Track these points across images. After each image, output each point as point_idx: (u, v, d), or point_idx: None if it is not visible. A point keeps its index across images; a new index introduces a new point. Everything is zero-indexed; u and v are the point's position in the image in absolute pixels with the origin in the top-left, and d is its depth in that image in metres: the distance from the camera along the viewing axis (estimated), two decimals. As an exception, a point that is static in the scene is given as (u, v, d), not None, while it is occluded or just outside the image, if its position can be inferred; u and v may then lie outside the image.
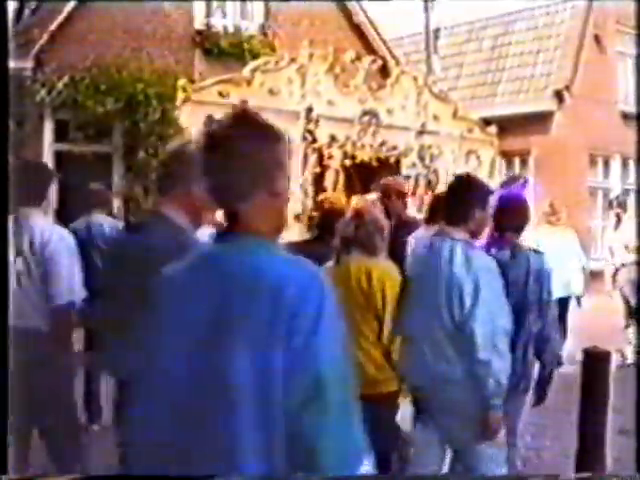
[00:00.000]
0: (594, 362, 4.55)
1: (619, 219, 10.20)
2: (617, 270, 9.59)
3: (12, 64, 10.76)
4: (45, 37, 11.46)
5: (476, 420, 3.63)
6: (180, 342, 1.89)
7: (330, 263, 4.21)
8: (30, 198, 4.11)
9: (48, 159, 11.69)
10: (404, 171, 11.85)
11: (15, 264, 3.93)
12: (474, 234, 3.84)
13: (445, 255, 3.71)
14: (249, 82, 10.19)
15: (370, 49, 14.38)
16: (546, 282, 4.24)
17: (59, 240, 4.04)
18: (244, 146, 1.94)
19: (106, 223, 6.73)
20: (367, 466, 1.79)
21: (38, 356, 3.89)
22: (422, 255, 3.98)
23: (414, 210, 11.53)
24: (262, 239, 1.91)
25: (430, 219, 5.56)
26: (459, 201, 3.82)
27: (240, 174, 1.90)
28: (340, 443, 1.78)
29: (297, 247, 4.03)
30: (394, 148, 11.68)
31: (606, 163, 17.59)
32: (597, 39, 17.02)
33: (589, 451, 4.50)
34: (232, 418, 1.78)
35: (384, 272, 4.17)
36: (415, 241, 5.01)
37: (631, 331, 9.18)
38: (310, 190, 10.88)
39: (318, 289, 1.84)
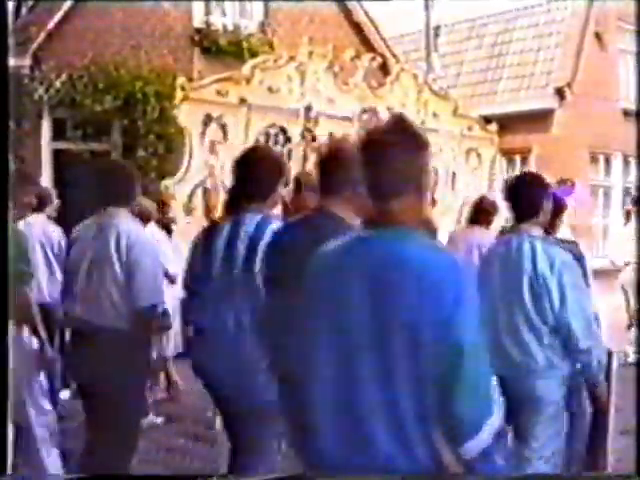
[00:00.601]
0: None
1: (629, 216, 10.15)
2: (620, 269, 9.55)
3: (10, 62, 10.73)
4: (43, 35, 11.44)
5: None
6: (334, 325, 2.20)
7: None
8: (119, 198, 4.24)
9: (46, 157, 11.67)
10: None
11: (99, 262, 4.05)
12: (544, 228, 4.07)
13: (526, 252, 3.88)
14: (248, 80, 10.12)
15: (370, 47, 14.35)
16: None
17: (145, 243, 4.16)
18: (402, 151, 2.23)
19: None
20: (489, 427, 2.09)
21: (115, 355, 3.99)
22: (501, 253, 4.13)
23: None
24: (409, 230, 2.23)
25: (475, 220, 6.19)
26: (528, 198, 4.00)
27: (396, 175, 2.21)
28: (474, 407, 2.08)
29: None
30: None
31: (607, 161, 17.54)
32: (598, 36, 16.96)
33: (591, 451, 4.52)
34: (390, 389, 2.08)
35: None
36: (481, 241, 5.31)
37: (633, 331, 9.14)
38: (310, 189, 10.86)
39: (458, 272, 2.18)
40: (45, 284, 6.68)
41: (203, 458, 5.87)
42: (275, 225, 3.60)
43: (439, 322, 2.06)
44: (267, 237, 3.52)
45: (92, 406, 4.28)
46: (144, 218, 7.05)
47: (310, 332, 2.28)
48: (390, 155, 2.22)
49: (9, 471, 3.78)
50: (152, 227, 7.13)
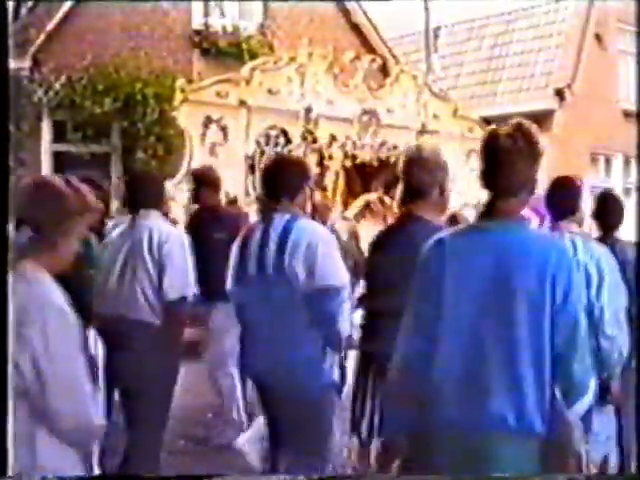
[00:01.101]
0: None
1: None
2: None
3: (9, 64, 10.71)
4: (42, 37, 11.44)
5: None
6: (463, 307, 2.56)
7: None
8: (150, 201, 4.56)
9: (46, 159, 11.65)
10: (404, 171, 11.80)
11: (132, 261, 4.33)
12: (580, 224, 4.34)
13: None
14: (248, 82, 10.12)
15: (369, 48, 14.34)
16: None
17: (175, 241, 4.43)
18: (526, 157, 2.71)
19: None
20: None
21: (149, 347, 4.24)
22: None
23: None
24: (520, 223, 2.70)
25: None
26: (567, 198, 4.27)
27: (519, 177, 2.67)
28: (585, 372, 2.51)
29: None
30: (394, 148, 11.60)
31: (607, 162, 17.54)
32: (598, 37, 16.96)
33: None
34: (512, 356, 2.47)
35: None
36: None
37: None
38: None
39: (569, 255, 2.69)
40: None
41: (204, 460, 5.86)
42: (303, 222, 3.86)
43: (561, 296, 2.48)
44: (296, 233, 3.78)
45: (129, 403, 4.52)
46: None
47: (445, 306, 2.60)
48: (516, 160, 2.67)
49: (9, 471, 3.75)
50: None
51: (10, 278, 2.24)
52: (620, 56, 17.42)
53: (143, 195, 4.60)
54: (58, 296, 2.35)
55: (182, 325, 4.45)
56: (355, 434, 4.86)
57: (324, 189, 11.13)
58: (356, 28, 14.63)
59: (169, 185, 9.31)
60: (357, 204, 11.22)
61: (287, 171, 4.03)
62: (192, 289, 4.44)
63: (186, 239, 4.58)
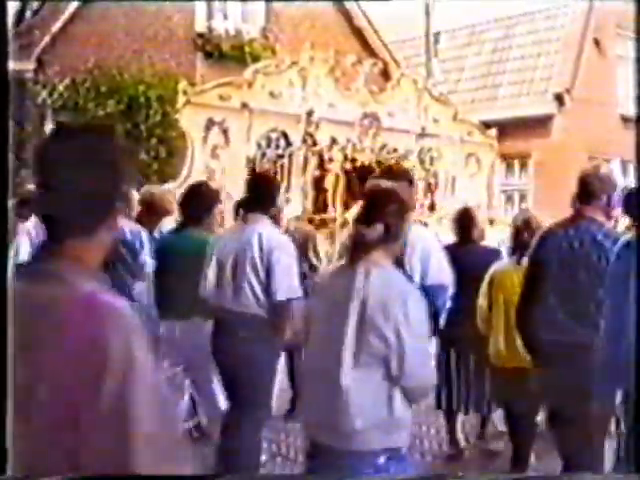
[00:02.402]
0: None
1: None
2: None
3: (13, 66, 10.81)
4: (46, 39, 11.52)
5: None
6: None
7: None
8: (260, 205, 4.80)
9: (49, 161, 11.74)
10: (404, 174, 11.85)
11: (243, 261, 4.63)
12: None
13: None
14: (250, 85, 10.18)
15: (371, 52, 14.43)
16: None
17: (282, 245, 4.72)
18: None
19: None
20: None
21: (254, 337, 4.55)
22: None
23: (414, 213, 11.54)
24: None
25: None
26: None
27: None
28: None
29: None
30: (394, 151, 11.67)
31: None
32: (597, 43, 17.05)
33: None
34: None
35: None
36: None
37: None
38: (310, 193, 10.89)
39: None
40: None
41: (204, 457, 5.89)
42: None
43: None
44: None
45: (232, 386, 4.80)
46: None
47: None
48: None
49: (9, 471, 3.82)
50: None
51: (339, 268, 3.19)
52: (618, 61, 17.50)
53: (254, 200, 4.89)
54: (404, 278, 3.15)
55: (287, 321, 4.68)
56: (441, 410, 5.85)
57: (324, 191, 11.20)
58: (358, 32, 14.72)
59: (171, 186, 9.42)
60: (357, 206, 11.28)
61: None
62: (298, 292, 4.68)
63: (293, 246, 4.87)
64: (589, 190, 4.38)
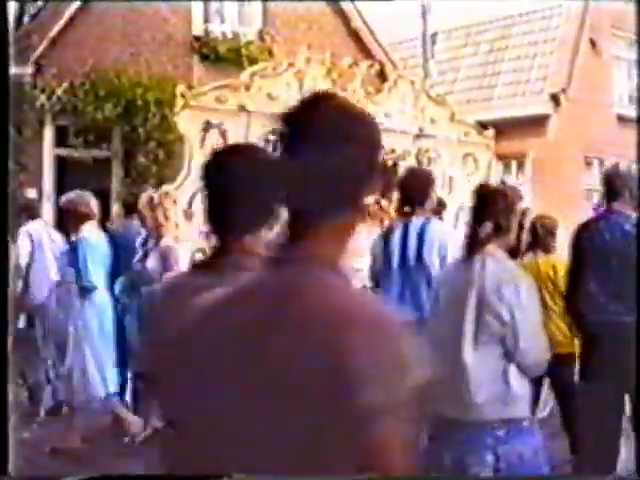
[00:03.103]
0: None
1: None
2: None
3: (12, 70, 10.83)
4: (45, 43, 11.55)
5: None
6: None
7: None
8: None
9: (48, 164, 11.77)
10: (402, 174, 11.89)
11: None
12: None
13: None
14: (247, 87, 10.20)
15: (367, 53, 14.46)
16: None
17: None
18: None
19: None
20: None
21: None
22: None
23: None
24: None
25: None
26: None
27: None
28: None
29: None
30: (392, 151, 11.69)
31: (602, 165, 17.64)
32: (593, 43, 17.10)
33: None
34: None
35: (561, 264, 5.46)
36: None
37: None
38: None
39: None
40: None
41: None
42: (436, 225, 4.83)
43: None
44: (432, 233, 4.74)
45: None
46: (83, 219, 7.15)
47: None
48: None
49: (9, 471, 3.86)
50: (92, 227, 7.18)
51: (472, 259, 3.46)
52: (614, 61, 17.57)
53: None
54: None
55: None
56: None
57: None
58: (354, 34, 14.75)
59: (169, 189, 9.45)
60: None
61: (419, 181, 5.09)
62: None
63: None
64: (613, 188, 4.79)
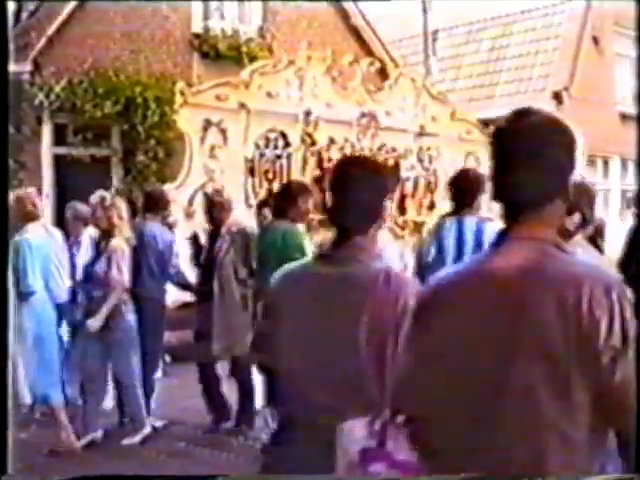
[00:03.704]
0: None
1: None
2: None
3: (10, 68, 10.78)
4: (43, 41, 11.49)
5: None
6: None
7: None
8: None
9: (46, 162, 11.71)
10: (403, 173, 11.84)
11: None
12: None
13: None
14: (247, 85, 10.16)
15: (368, 51, 14.41)
16: None
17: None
18: None
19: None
20: None
21: None
22: None
23: (414, 212, 11.54)
24: None
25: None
26: None
27: None
28: None
29: None
30: (393, 150, 11.65)
31: (605, 164, 17.62)
32: (595, 41, 17.06)
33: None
34: None
35: None
36: None
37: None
38: (309, 193, 10.88)
39: None
40: None
41: (203, 462, 5.89)
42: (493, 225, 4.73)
43: None
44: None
45: None
46: (82, 222, 7.10)
47: None
48: None
49: (9, 471, 3.81)
50: (93, 230, 7.15)
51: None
52: (617, 59, 17.52)
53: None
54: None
55: None
56: None
57: (323, 191, 11.18)
58: (355, 31, 14.70)
59: (169, 187, 9.40)
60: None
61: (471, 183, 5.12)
62: None
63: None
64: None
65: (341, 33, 14.35)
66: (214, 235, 6.77)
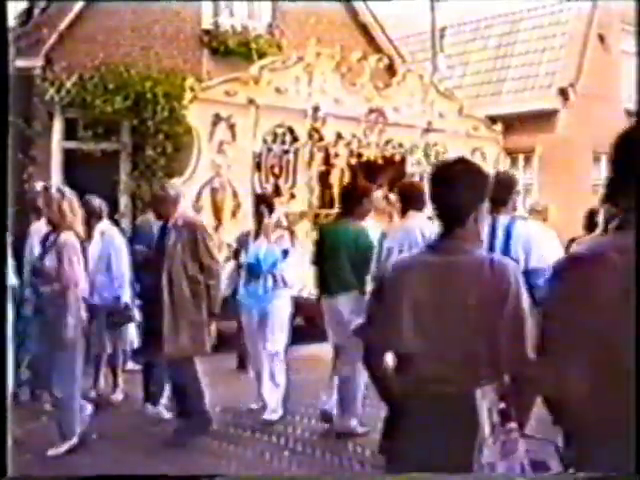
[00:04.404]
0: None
1: None
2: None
3: (22, 63, 10.88)
4: (54, 36, 11.57)
5: None
6: None
7: None
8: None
9: (57, 157, 11.81)
10: (410, 169, 11.93)
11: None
12: None
13: None
14: (256, 81, 10.24)
15: (376, 48, 14.47)
16: None
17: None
18: None
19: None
20: None
21: None
22: None
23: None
24: None
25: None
26: None
27: None
28: None
29: None
30: (400, 146, 11.74)
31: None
32: (602, 38, 17.09)
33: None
34: None
35: None
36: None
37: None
38: (316, 188, 10.97)
39: None
40: None
41: (211, 453, 5.93)
42: (522, 223, 5.12)
43: None
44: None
45: None
46: (95, 216, 7.17)
47: None
48: None
49: (9, 471, 3.88)
50: (105, 224, 7.35)
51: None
52: (623, 56, 17.53)
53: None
54: None
55: None
56: None
57: (330, 187, 11.27)
58: (363, 28, 14.77)
59: (177, 182, 9.47)
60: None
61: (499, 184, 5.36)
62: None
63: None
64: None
65: (350, 30, 14.41)
66: (163, 230, 6.45)
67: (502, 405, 2.56)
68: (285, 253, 6.93)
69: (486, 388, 2.61)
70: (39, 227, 6.70)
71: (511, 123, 14.30)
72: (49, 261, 5.73)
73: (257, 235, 7.03)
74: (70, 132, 12.04)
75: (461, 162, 2.96)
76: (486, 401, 2.60)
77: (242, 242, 7.26)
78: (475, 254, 2.81)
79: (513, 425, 2.50)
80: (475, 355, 2.67)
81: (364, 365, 3.10)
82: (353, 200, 6.54)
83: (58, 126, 11.87)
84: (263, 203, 7.18)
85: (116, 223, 8.90)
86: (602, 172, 17.40)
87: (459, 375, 2.66)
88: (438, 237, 2.86)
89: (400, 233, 5.80)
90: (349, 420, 6.29)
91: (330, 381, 6.51)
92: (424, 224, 5.64)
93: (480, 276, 2.71)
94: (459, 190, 2.80)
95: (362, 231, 6.43)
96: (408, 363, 2.78)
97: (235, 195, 10.04)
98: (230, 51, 12.99)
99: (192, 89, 9.73)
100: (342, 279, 6.31)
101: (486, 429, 2.57)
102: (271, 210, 7.12)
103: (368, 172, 11.63)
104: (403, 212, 6.00)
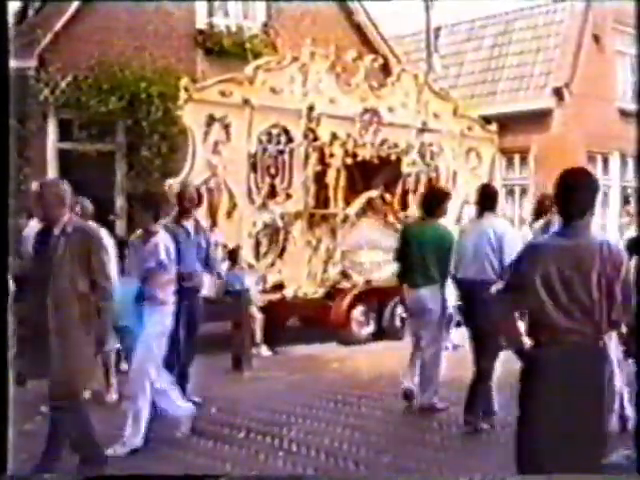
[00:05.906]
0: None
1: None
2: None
3: (16, 63, 10.84)
4: (49, 37, 11.56)
5: None
6: None
7: None
8: (490, 207, 6.65)
9: (52, 157, 11.79)
10: (405, 169, 11.92)
11: (481, 247, 6.45)
12: None
13: None
14: (251, 81, 10.23)
15: (371, 48, 14.48)
16: None
17: (512, 237, 6.51)
18: None
19: None
20: None
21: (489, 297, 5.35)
22: None
23: (415, 207, 11.61)
24: None
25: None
26: None
27: None
28: None
29: None
30: (395, 146, 11.73)
31: (605, 160, 17.67)
32: (596, 38, 17.11)
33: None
34: None
35: None
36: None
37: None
38: (312, 188, 10.96)
39: None
40: None
41: (206, 453, 5.92)
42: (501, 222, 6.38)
43: None
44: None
45: (478, 339, 6.40)
46: (84, 218, 7.11)
47: None
48: None
49: (9, 471, 3.86)
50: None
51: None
52: (617, 56, 17.58)
53: (484, 201, 6.69)
54: None
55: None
56: None
57: (326, 187, 11.26)
58: (358, 28, 14.78)
59: (173, 182, 9.44)
60: (359, 201, 11.34)
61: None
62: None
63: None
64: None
65: (344, 30, 14.41)
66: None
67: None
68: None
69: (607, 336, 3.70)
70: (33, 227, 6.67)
71: (506, 123, 14.31)
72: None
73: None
74: (65, 133, 12.02)
75: (583, 172, 3.96)
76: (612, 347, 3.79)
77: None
78: (595, 238, 3.67)
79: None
80: (598, 311, 3.53)
81: (500, 323, 3.91)
82: (436, 203, 7.27)
83: (53, 127, 11.85)
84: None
85: (107, 225, 8.83)
86: (597, 171, 17.46)
87: (585, 327, 3.54)
88: (563, 227, 3.70)
89: (474, 233, 6.54)
90: (431, 397, 7.00)
91: (410, 364, 7.18)
92: (495, 223, 6.50)
93: (602, 253, 3.54)
94: (583, 193, 3.68)
95: (447, 231, 7.21)
96: (542, 319, 3.59)
97: (231, 195, 10.03)
98: (225, 51, 12.98)
99: (187, 89, 9.71)
100: (427, 274, 7.00)
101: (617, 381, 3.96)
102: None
103: (364, 172, 11.62)
104: (480, 213, 6.69)
